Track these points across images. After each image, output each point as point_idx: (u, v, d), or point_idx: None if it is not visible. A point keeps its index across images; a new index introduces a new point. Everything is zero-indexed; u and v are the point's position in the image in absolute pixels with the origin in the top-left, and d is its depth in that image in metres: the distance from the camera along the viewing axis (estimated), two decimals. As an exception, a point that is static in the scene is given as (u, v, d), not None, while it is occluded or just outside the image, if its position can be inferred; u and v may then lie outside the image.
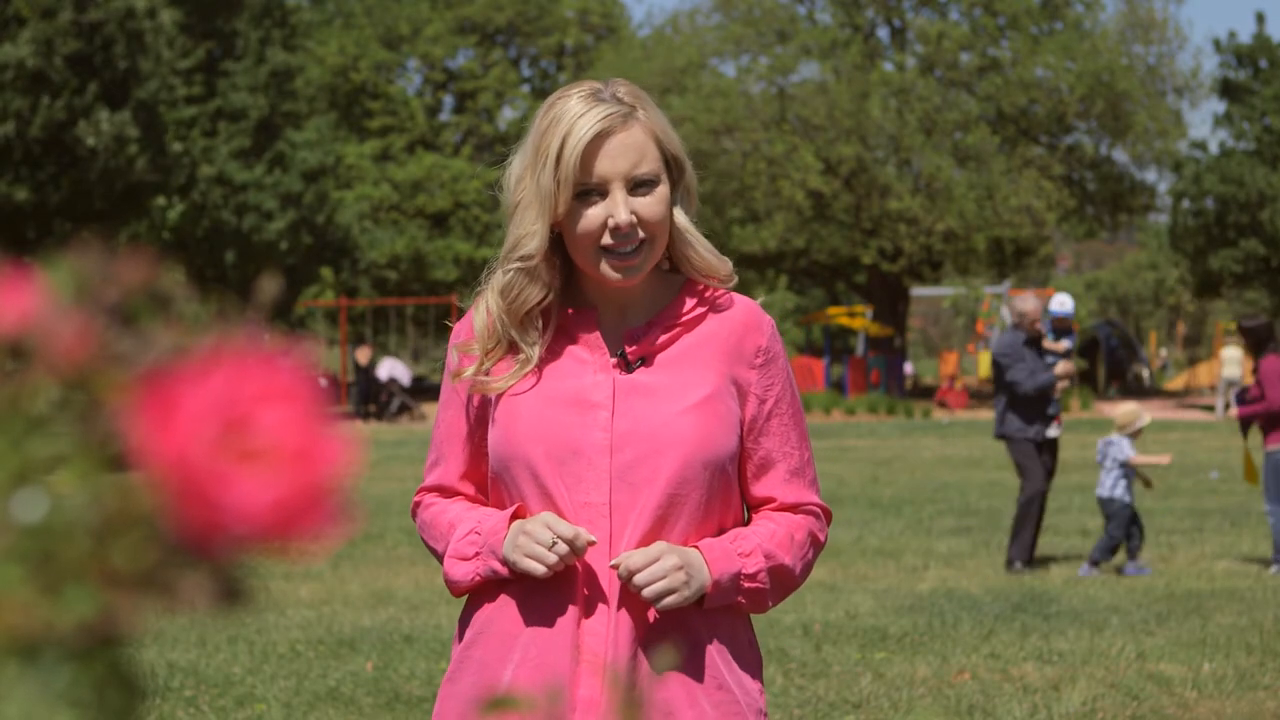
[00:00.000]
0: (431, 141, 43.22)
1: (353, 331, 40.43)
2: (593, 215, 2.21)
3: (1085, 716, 6.30)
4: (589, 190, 2.22)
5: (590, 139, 2.20)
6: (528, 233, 2.24)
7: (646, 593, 2.16)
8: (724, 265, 2.32)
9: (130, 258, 0.53)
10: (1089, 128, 35.76)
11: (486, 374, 2.29)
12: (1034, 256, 36.60)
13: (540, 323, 2.28)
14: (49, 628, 0.48)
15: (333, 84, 41.59)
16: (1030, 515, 10.25)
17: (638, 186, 2.23)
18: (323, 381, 0.51)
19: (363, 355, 30.47)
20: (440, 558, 2.35)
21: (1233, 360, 29.55)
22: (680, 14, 36.86)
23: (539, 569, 2.17)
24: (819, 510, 2.37)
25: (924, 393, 37.23)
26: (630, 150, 2.22)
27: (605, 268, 2.23)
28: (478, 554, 2.26)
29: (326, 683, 6.83)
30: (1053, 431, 10.36)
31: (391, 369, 31.32)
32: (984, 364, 38.20)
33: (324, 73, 40.75)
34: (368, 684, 6.82)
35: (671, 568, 2.16)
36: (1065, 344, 10.73)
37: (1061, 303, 10.89)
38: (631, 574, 2.16)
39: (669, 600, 2.17)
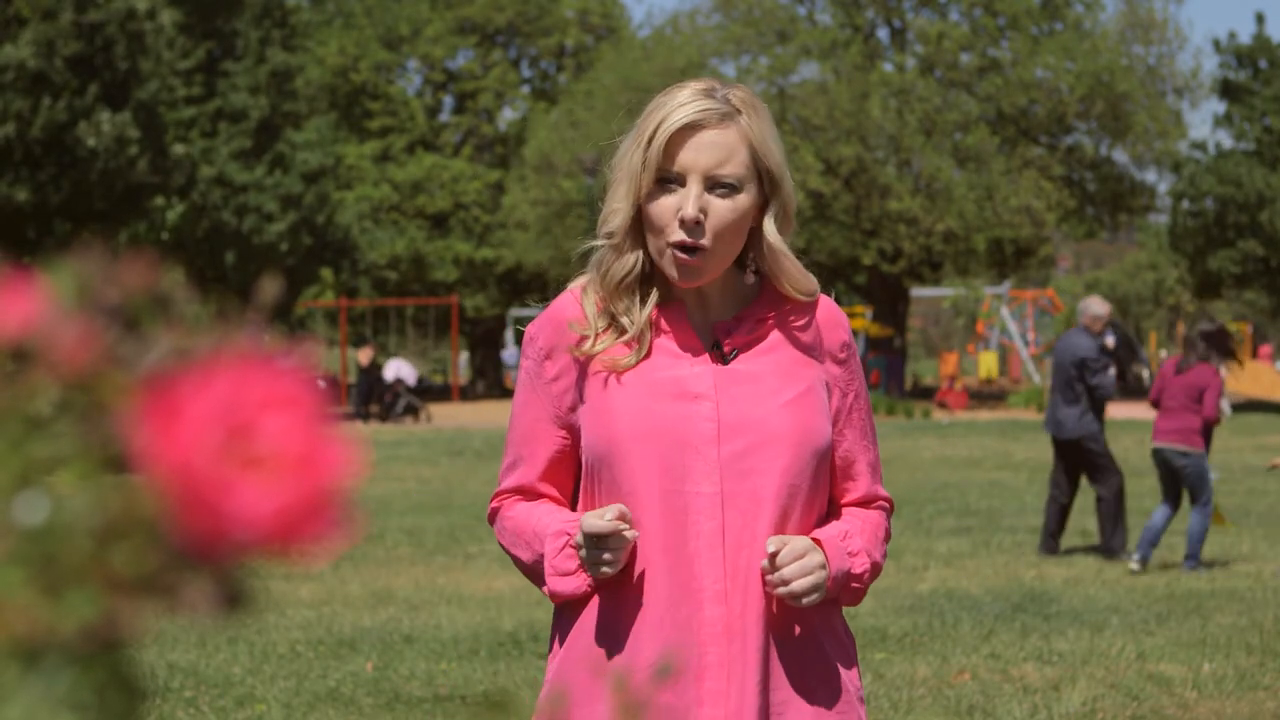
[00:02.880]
0: (431, 142, 43.22)
1: (353, 332, 40.46)
2: (666, 204, 2.21)
3: (1085, 716, 6.30)
4: (670, 179, 2.22)
5: (680, 127, 2.20)
6: (614, 209, 2.25)
7: (795, 588, 2.18)
8: (809, 284, 2.33)
9: (131, 260, 0.53)
10: (1089, 128, 35.75)
11: (608, 353, 2.28)
12: (1034, 257, 36.60)
13: (637, 294, 2.27)
14: (50, 631, 0.48)
15: (333, 84, 41.59)
16: (1122, 506, 10.91)
17: (717, 188, 2.22)
18: (323, 383, 0.51)
19: (364, 356, 30.47)
20: (524, 564, 2.33)
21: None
22: (680, 14, 36.87)
23: (608, 573, 2.19)
24: (889, 503, 2.42)
25: (924, 393, 37.23)
26: (717, 149, 2.22)
27: (668, 262, 2.23)
28: (580, 568, 2.24)
29: (326, 683, 6.83)
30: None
31: (398, 369, 31.33)
32: (984, 364, 38.23)
33: (324, 73, 40.74)
34: (368, 684, 6.82)
35: (817, 565, 2.19)
36: (1110, 340, 11.31)
37: (1104, 302, 11.40)
38: (780, 568, 2.18)
39: (810, 599, 2.19)
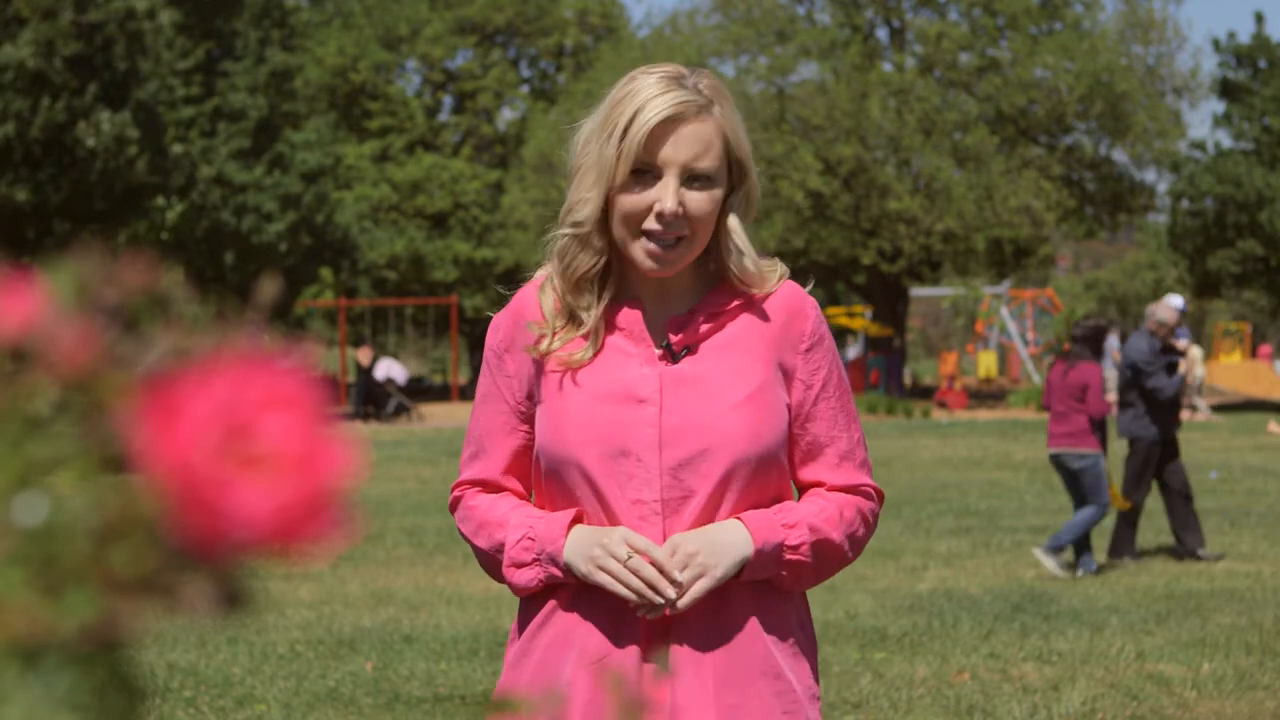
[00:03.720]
0: (431, 142, 43.23)
1: (352, 332, 40.45)
2: (642, 196, 2.19)
3: (1085, 716, 6.30)
4: (645, 170, 2.20)
5: (660, 120, 2.18)
6: (582, 199, 2.21)
7: (687, 595, 2.17)
8: (767, 278, 2.29)
9: (130, 259, 0.53)
10: (1088, 128, 35.75)
11: (564, 350, 2.27)
12: (1033, 257, 36.60)
13: (596, 289, 2.25)
14: (50, 631, 0.48)
15: (332, 84, 41.59)
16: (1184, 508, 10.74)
17: (693, 180, 2.20)
18: (322, 384, 0.51)
19: (364, 356, 30.44)
20: (482, 553, 2.32)
21: (1198, 359, 29.82)
22: (680, 14, 36.86)
23: (619, 589, 2.16)
24: (871, 491, 2.34)
25: (924, 393, 37.23)
26: (695, 142, 2.20)
27: (640, 251, 2.20)
28: (535, 560, 2.24)
29: (326, 683, 6.83)
30: (1176, 430, 10.82)
31: (388, 369, 31.26)
32: (984, 364, 38.22)
33: (323, 73, 40.76)
34: (368, 684, 6.82)
35: (683, 559, 2.16)
36: (1184, 341, 11.00)
37: (1180, 304, 11.22)
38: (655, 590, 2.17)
39: (700, 584, 2.16)
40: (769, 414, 2.23)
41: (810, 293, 2.36)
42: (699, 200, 2.20)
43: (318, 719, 6.29)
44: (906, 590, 9.39)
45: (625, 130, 2.18)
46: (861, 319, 35.26)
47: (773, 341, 2.27)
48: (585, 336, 2.25)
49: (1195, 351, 30.10)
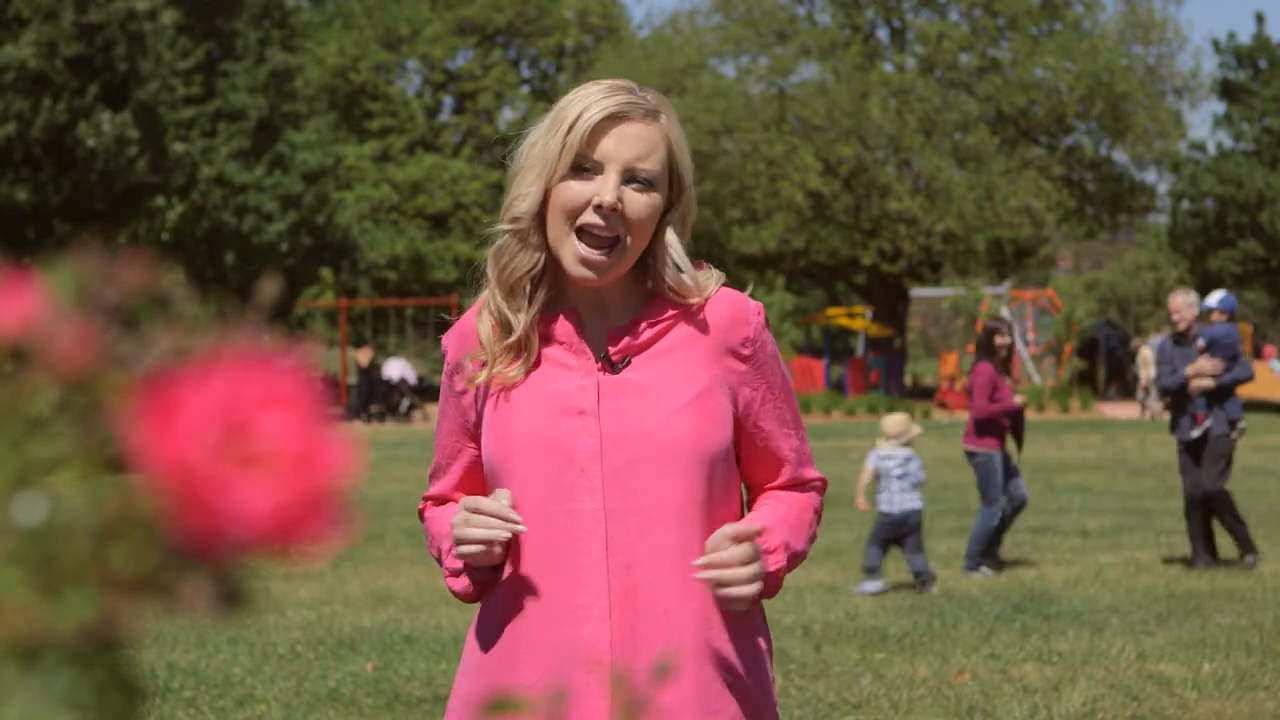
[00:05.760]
0: (431, 142, 43.24)
1: (353, 332, 40.46)
2: (580, 189, 2.18)
3: (1085, 717, 6.30)
4: (586, 166, 2.19)
5: (605, 116, 2.18)
6: (522, 194, 2.21)
7: (737, 592, 2.17)
8: (705, 287, 2.27)
9: (130, 259, 0.53)
10: (1089, 128, 35.77)
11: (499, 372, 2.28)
12: (1034, 257, 36.62)
13: (528, 292, 2.24)
14: (49, 630, 0.48)
15: (332, 85, 41.61)
16: (1192, 516, 10.32)
17: (634, 181, 2.20)
18: (321, 383, 0.51)
19: (364, 356, 30.47)
20: (437, 562, 2.38)
21: (1150, 360, 29.79)
22: (680, 14, 36.91)
23: (477, 549, 2.18)
24: (820, 484, 2.38)
25: (924, 393, 37.22)
26: (640, 142, 2.20)
27: (571, 255, 2.19)
28: (465, 567, 2.28)
29: (326, 683, 6.83)
30: (1195, 432, 10.12)
31: (402, 370, 31.36)
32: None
33: (324, 73, 40.77)
34: (368, 684, 6.82)
35: (756, 575, 2.18)
36: (1201, 341, 10.24)
37: (1209, 298, 10.56)
38: (718, 569, 2.17)
39: (742, 603, 2.19)
40: (711, 420, 2.23)
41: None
42: (638, 202, 2.19)
43: (318, 719, 6.29)
44: (907, 590, 9.39)
45: (570, 126, 2.17)
46: (861, 319, 35.25)
47: (715, 348, 2.26)
48: (518, 349, 2.24)
49: (1146, 351, 30.06)
